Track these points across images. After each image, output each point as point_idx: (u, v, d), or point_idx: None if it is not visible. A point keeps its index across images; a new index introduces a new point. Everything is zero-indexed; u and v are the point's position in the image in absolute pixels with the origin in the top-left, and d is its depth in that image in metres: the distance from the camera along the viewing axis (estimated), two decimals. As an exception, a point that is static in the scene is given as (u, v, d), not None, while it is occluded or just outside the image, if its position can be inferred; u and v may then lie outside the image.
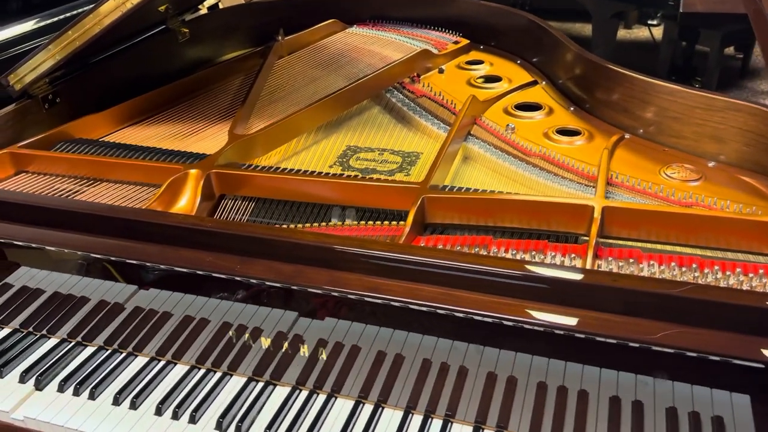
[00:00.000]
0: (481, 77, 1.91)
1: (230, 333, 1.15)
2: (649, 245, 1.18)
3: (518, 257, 1.15)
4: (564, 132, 1.58)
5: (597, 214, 1.17)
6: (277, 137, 1.57)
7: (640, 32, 5.24)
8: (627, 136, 1.55)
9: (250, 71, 2.00)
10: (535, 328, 0.94)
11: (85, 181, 1.49)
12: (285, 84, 1.89)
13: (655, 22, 4.89)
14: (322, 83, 1.89)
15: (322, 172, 1.42)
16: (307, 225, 1.31)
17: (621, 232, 1.20)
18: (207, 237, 1.10)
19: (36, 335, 1.33)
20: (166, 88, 1.83)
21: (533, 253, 1.16)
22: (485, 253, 1.17)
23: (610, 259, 1.13)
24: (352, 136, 1.63)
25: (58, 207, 1.23)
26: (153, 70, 1.90)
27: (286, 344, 1.11)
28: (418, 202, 1.24)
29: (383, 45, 2.12)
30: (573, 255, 1.15)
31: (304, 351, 1.11)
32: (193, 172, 1.38)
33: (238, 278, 1.07)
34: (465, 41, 2.12)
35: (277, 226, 1.29)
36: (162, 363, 1.24)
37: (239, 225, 1.08)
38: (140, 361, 1.25)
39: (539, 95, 1.79)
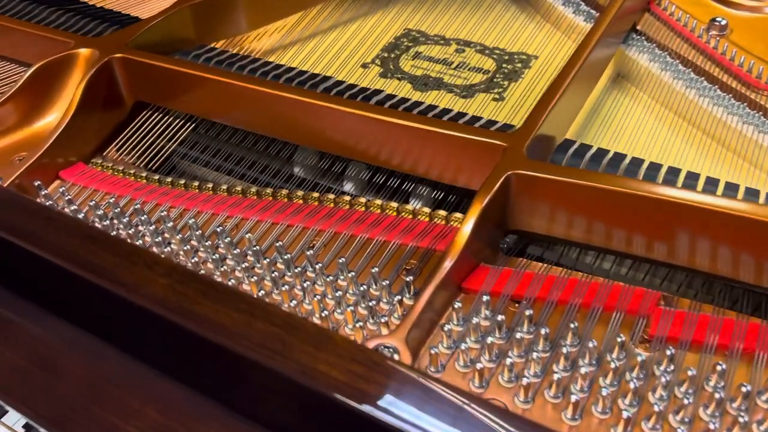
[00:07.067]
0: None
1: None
2: None
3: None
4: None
5: None
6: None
7: None
8: None
9: None
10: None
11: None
12: None
13: None
14: None
15: (327, 78, 0.72)
16: (267, 190, 0.65)
17: None
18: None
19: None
20: None
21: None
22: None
23: None
24: (418, 11, 0.92)
25: None
26: None
27: None
28: (497, 185, 0.53)
29: None
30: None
31: None
32: (84, 52, 0.73)
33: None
34: None
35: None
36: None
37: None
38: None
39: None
